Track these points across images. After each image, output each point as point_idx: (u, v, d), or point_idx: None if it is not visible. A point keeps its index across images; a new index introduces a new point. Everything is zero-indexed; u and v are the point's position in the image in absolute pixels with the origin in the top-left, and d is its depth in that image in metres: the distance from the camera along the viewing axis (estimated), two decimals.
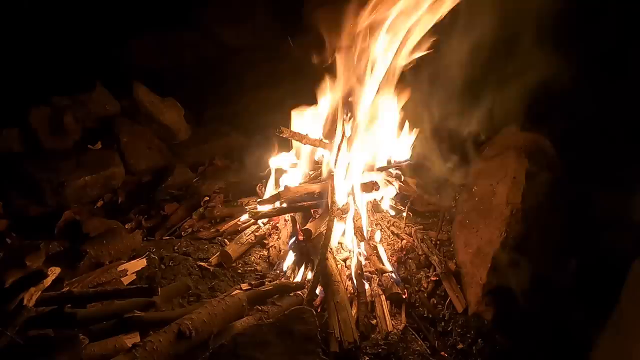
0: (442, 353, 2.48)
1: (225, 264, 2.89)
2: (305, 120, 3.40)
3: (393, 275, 2.84)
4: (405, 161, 3.44)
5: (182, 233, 3.25)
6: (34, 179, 3.30)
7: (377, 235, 3.17)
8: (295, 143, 3.42)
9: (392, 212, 3.43)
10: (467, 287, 2.75)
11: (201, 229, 3.29)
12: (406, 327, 2.58)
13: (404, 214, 3.34)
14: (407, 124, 3.45)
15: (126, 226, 3.20)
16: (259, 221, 3.20)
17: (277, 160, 3.45)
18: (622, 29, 3.15)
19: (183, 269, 2.78)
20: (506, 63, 3.17)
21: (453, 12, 2.92)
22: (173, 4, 4.58)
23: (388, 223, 3.35)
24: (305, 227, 2.84)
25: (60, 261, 2.54)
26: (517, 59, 3.15)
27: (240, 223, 3.25)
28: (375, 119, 3.28)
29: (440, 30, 3.04)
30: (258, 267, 2.93)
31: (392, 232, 3.26)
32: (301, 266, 2.86)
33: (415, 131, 3.47)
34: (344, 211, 2.99)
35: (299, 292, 2.59)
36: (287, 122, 3.36)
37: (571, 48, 2.88)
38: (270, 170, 3.45)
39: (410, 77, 3.27)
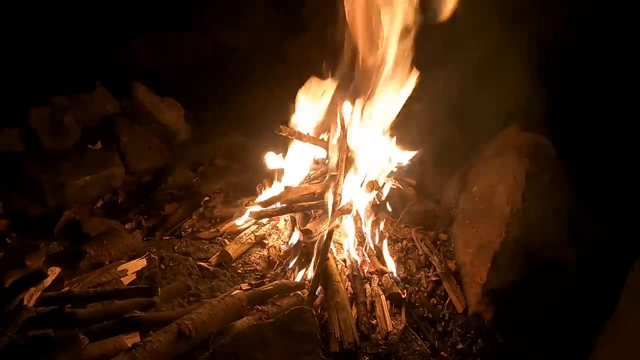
0: (442, 353, 2.48)
1: (225, 264, 2.89)
2: (306, 117, 3.40)
3: (393, 275, 2.84)
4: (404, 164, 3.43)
5: (182, 233, 3.25)
6: (34, 179, 3.29)
7: (377, 236, 3.17)
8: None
9: (392, 212, 3.43)
10: (467, 287, 2.75)
11: (201, 229, 3.29)
12: (406, 327, 2.58)
13: (404, 214, 3.34)
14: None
15: (126, 226, 3.20)
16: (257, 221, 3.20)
17: (276, 159, 3.44)
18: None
19: (183, 269, 2.78)
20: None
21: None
22: (173, 4, 4.58)
23: (388, 223, 3.35)
24: (305, 227, 2.84)
25: (60, 261, 2.54)
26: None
27: (237, 225, 3.26)
28: (377, 117, 3.27)
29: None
30: (258, 267, 2.93)
31: (392, 233, 3.26)
32: (301, 266, 2.86)
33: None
34: (344, 211, 2.99)
35: (299, 292, 2.59)
36: (286, 121, 3.35)
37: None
38: (270, 170, 3.45)
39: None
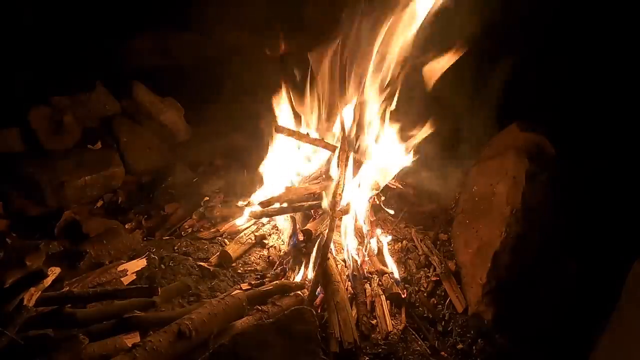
0: (442, 353, 2.48)
1: (225, 264, 2.89)
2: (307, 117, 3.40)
3: (393, 275, 2.84)
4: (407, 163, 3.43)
5: (182, 233, 3.25)
6: (34, 179, 3.30)
7: (377, 236, 3.17)
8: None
9: (392, 212, 3.43)
10: (467, 287, 2.75)
11: (201, 229, 3.29)
12: (406, 327, 2.58)
13: (404, 214, 3.34)
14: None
15: (126, 226, 3.20)
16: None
17: (275, 159, 3.44)
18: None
19: (183, 269, 2.78)
20: None
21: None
22: (173, 4, 4.58)
23: (388, 223, 3.35)
24: (305, 228, 2.84)
25: (60, 261, 2.55)
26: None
27: (237, 225, 3.26)
28: (376, 118, 3.28)
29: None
30: (258, 267, 2.93)
31: (392, 233, 3.26)
32: (301, 266, 2.86)
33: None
34: (344, 212, 2.99)
35: (299, 292, 2.59)
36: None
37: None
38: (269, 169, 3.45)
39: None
